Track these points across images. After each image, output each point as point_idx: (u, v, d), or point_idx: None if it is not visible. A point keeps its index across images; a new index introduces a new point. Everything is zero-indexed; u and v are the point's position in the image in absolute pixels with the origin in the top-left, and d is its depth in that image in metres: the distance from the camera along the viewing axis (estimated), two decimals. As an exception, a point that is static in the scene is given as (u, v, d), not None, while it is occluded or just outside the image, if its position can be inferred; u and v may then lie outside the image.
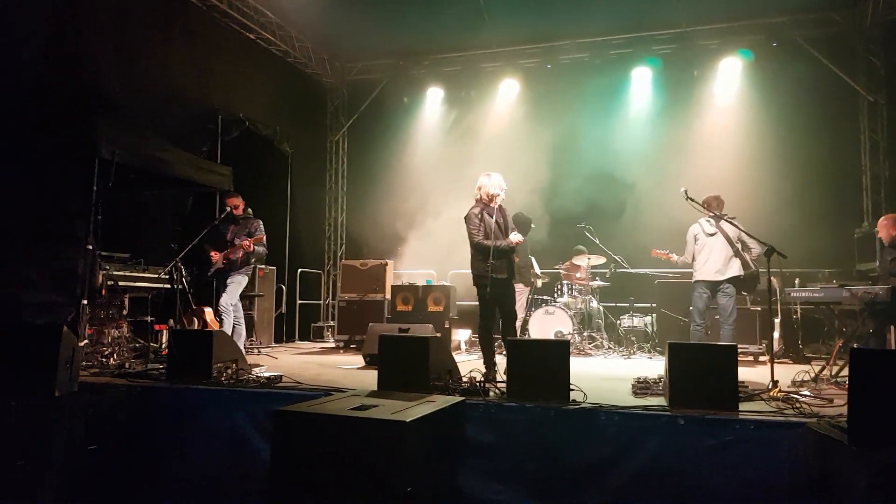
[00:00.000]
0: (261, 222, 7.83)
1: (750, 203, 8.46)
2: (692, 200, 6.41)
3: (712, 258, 6.93)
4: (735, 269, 6.91)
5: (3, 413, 4.14)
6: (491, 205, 5.99)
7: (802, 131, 10.01)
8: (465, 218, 6.01)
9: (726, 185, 8.80)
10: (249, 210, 7.98)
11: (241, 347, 7.32)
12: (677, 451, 4.10)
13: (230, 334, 7.23)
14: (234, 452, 4.82)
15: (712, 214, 7.01)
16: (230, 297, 7.49)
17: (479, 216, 5.93)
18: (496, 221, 5.95)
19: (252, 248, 7.53)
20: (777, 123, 10.21)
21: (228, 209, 7.76)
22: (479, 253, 5.91)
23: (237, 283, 7.58)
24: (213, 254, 7.51)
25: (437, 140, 12.28)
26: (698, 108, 10.89)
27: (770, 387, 4.90)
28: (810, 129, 10.00)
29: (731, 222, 6.84)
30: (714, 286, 6.97)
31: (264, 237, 7.71)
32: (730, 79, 10.87)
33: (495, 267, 5.84)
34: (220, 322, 7.42)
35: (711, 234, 6.96)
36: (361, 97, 12.80)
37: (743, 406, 4.40)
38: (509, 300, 6.05)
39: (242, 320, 7.69)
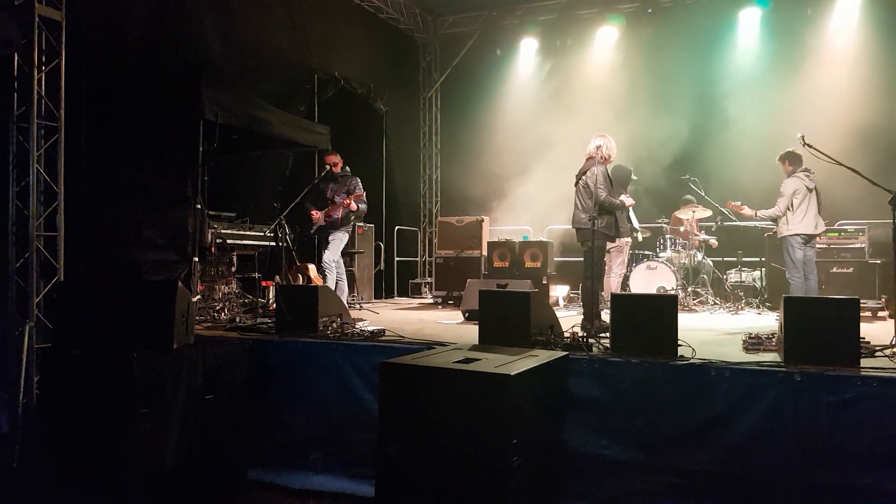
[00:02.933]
0: (359, 180, 7.96)
1: (869, 149, 7.91)
2: (811, 146, 6.02)
3: (811, 212, 7.09)
4: (822, 224, 7.22)
5: (126, 364, 4.40)
6: (606, 165, 6.21)
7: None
8: (586, 175, 6.13)
9: (843, 131, 8.26)
10: (347, 168, 8.12)
11: (344, 302, 7.56)
12: (794, 408, 3.95)
13: (333, 290, 7.47)
14: (341, 403, 5.00)
15: (805, 168, 7.18)
16: (332, 254, 7.70)
17: (605, 174, 6.11)
18: (610, 181, 6.22)
19: (353, 206, 7.68)
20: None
21: (328, 167, 7.91)
22: (603, 210, 6.09)
23: (339, 240, 7.78)
24: (313, 212, 7.71)
25: (531, 93, 12.04)
26: (812, 50, 10.12)
27: (893, 342, 4.62)
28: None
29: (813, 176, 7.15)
30: (810, 239, 7.11)
31: (364, 194, 7.84)
32: (848, 15, 10.01)
33: (605, 223, 6.10)
34: (324, 278, 7.64)
35: (811, 190, 7.11)
36: (454, 52, 12.66)
37: (864, 363, 4.17)
38: (603, 256, 6.21)
39: (345, 276, 7.91)
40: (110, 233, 6.65)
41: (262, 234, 7.83)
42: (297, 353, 5.25)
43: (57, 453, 4.57)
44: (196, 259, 6.84)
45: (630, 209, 8.11)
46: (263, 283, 8.02)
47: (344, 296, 7.70)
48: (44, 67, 5.75)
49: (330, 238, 7.72)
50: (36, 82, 5.67)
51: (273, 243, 7.66)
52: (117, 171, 6.71)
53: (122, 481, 4.35)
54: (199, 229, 6.90)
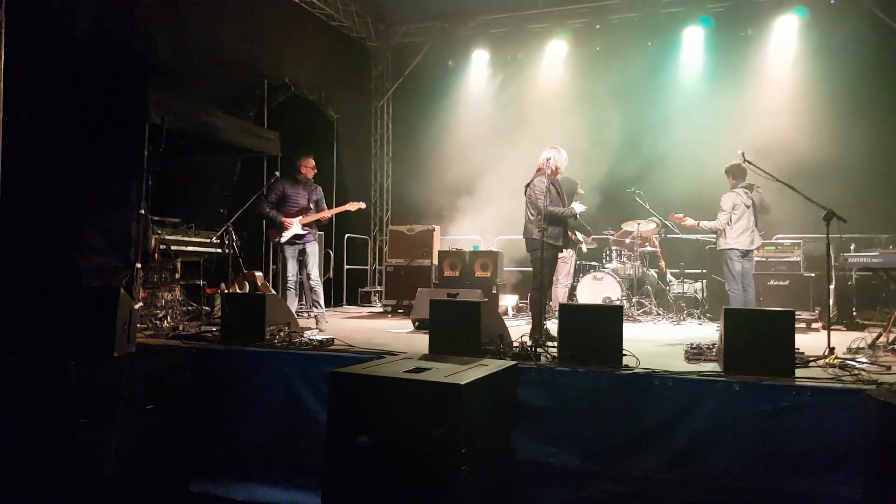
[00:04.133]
0: (321, 191, 7.87)
1: (804, 167, 8.21)
2: (750, 163, 6.24)
3: (748, 228, 7.31)
4: (758, 239, 7.49)
5: (64, 373, 4.27)
6: (555, 177, 6.22)
7: (860, 93, 9.61)
8: (531, 186, 6.23)
9: (780, 148, 8.55)
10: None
11: (322, 306, 7.55)
12: (733, 416, 4.08)
13: (321, 301, 7.50)
14: (288, 413, 4.94)
15: (746, 185, 7.45)
16: (316, 269, 7.62)
17: (547, 186, 6.11)
18: (559, 192, 6.25)
19: (325, 218, 7.69)
20: (834, 85, 9.79)
21: (301, 174, 7.67)
22: (549, 220, 6.10)
23: (319, 253, 7.72)
24: (285, 220, 7.48)
25: (482, 104, 12.13)
26: (752, 69, 10.50)
27: (826, 353, 4.81)
28: (868, 91, 9.60)
29: (758, 192, 7.44)
30: (747, 253, 7.36)
31: None
32: (785, 38, 10.44)
33: (553, 234, 6.08)
34: (315, 294, 7.50)
35: (749, 206, 7.36)
36: (406, 61, 12.68)
37: (799, 372, 4.34)
38: (554, 267, 6.22)
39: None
40: (50, 237, 6.43)
41: (207, 240, 7.67)
42: (242, 362, 5.17)
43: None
44: (139, 265, 6.67)
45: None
46: (208, 291, 7.87)
47: (321, 299, 7.62)
48: (-19, 66, 5.55)
49: (309, 250, 7.53)
50: (-28, 81, 5.47)
51: (219, 250, 7.52)
52: (59, 174, 6.50)
53: (60, 492, 4.21)
54: (142, 234, 6.74)
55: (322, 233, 10.27)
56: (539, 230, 5.95)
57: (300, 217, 7.46)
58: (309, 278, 7.57)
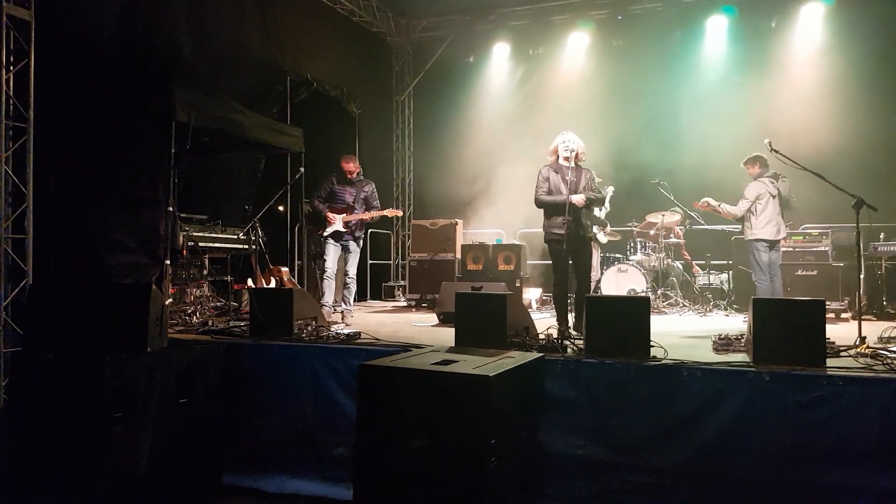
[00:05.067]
0: (374, 186, 7.90)
1: (831, 156, 8.13)
2: (777, 152, 6.17)
3: (773, 218, 7.27)
4: (784, 229, 7.43)
5: (98, 368, 4.34)
6: (559, 162, 6.03)
7: (886, 80, 9.48)
8: None
9: (806, 137, 8.46)
10: (361, 170, 8.01)
11: (352, 303, 7.63)
12: (763, 407, 4.04)
13: (351, 298, 7.62)
14: (317, 406, 4.98)
15: (771, 174, 7.38)
16: (354, 267, 7.74)
17: (545, 175, 6.05)
18: (565, 179, 5.94)
19: (370, 219, 7.75)
20: (862, 71, 9.65)
21: (337, 174, 7.72)
22: (545, 211, 6.06)
23: (358, 252, 7.79)
24: (329, 214, 7.55)
25: (503, 97, 12.14)
26: (776, 57, 10.39)
27: (857, 343, 4.76)
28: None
29: (784, 182, 7.36)
30: (774, 243, 7.30)
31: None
32: (811, 25, 10.30)
33: (558, 224, 5.92)
34: (348, 290, 7.58)
35: (774, 195, 7.30)
36: (426, 55, 12.69)
37: (830, 362, 4.29)
38: (580, 258, 6.05)
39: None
40: (80, 235, 6.54)
41: (234, 236, 7.76)
42: (271, 356, 5.21)
43: (27, 459, 4.49)
44: (167, 262, 6.76)
45: (599, 210, 8.18)
46: (235, 287, 7.96)
47: (352, 296, 7.71)
48: (12, 68, 5.66)
49: (351, 248, 7.66)
50: (4, 83, 5.58)
51: (245, 246, 7.60)
52: (88, 173, 6.61)
53: (94, 486, 4.29)
54: (170, 232, 6.83)
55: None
56: (546, 220, 5.98)
57: (344, 214, 7.55)
58: (346, 275, 7.66)
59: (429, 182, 12.30)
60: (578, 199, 5.87)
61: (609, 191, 8.78)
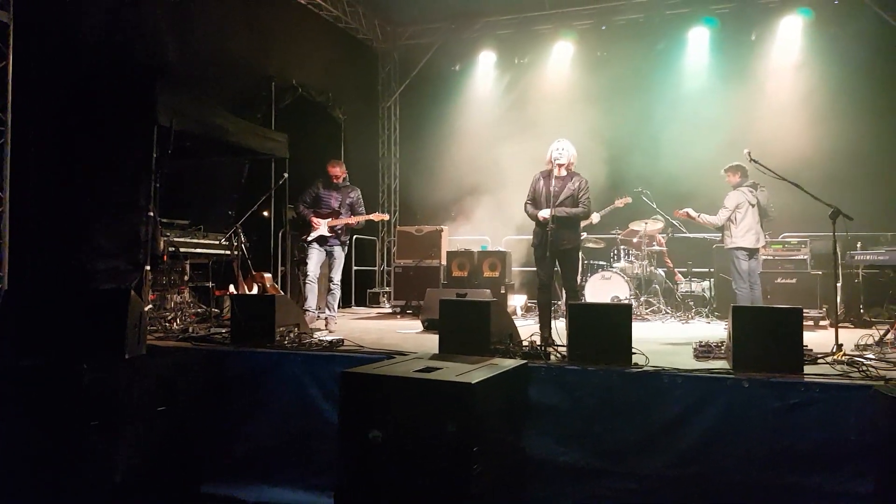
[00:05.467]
0: (360, 192, 7.86)
1: (810, 166, 8.23)
2: (756, 162, 6.23)
3: (752, 226, 7.32)
4: (763, 238, 7.51)
5: (77, 376, 4.28)
6: (552, 171, 6.02)
7: (864, 92, 9.64)
8: None
9: (785, 147, 8.59)
10: (348, 175, 7.97)
11: (335, 310, 7.59)
12: (743, 413, 4.07)
13: (335, 304, 7.56)
14: (299, 414, 4.94)
15: (750, 183, 7.46)
16: (339, 273, 7.67)
17: (534, 181, 6.09)
18: (548, 188, 5.96)
19: (356, 224, 7.71)
20: (838, 84, 9.83)
21: (324, 179, 7.65)
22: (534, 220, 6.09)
23: (342, 258, 7.72)
24: (313, 219, 7.52)
25: (489, 105, 12.20)
26: (757, 69, 10.56)
27: (834, 350, 4.82)
28: (872, 90, 9.64)
29: (763, 191, 7.44)
30: (754, 252, 7.38)
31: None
32: (789, 39, 10.49)
33: (537, 231, 6.01)
34: (332, 296, 7.55)
35: (753, 204, 7.37)
36: (413, 62, 12.71)
37: (808, 369, 4.34)
38: (564, 266, 6.06)
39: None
40: (59, 240, 6.47)
41: (216, 242, 7.71)
42: (253, 363, 5.17)
43: (2, 466, 4.41)
44: (148, 267, 6.70)
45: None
46: (217, 293, 7.90)
47: (336, 302, 7.67)
48: (-9, 70, 5.59)
49: (336, 254, 7.60)
50: (-18, 85, 5.52)
51: (227, 252, 7.54)
52: (68, 177, 6.54)
53: (70, 495, 4.22)
54: (151, 237, 6.77)
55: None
56: (548, 229, 5.96)
57: (329, 219, 7.50)
58: (330, 280, 7.62)
59: (414, 188, 12.30)
60: (543, 214, 5.91)
61: (595, 218, 8.80)
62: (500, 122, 11.58)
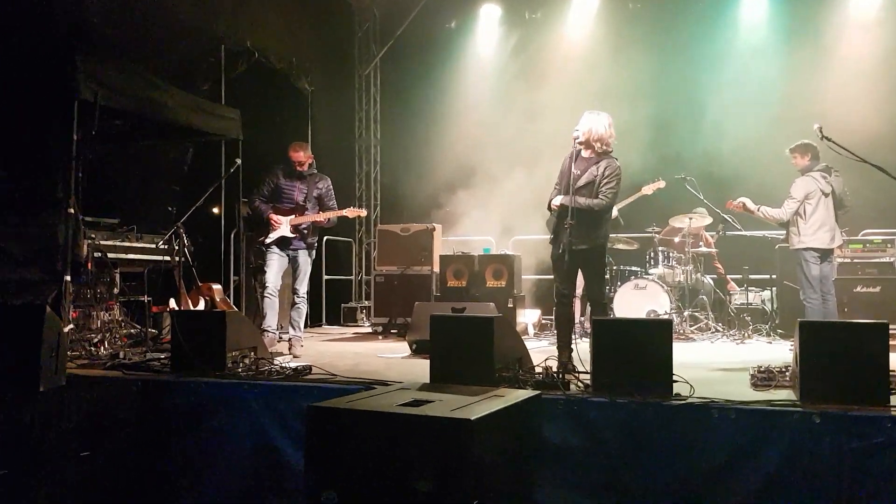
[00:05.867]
0: (330, 182, 7.86)
1: (892, 145, 8.22)
2: (829, 140, 6.24)
3: (828, 222, 7.31)
4: (839, 236, 7.48)
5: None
6: (581, 150, 6.00)
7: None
8: None
9: (865, 122, 8.56)
10: (314, 162, 7.94)
11: (301, 329, 7.61)
12: (812, 456, 4.06)
13: (301, 323, 7.58)
14: (255, 458, 4.95)
15: (823, 167, 7.39)
16: (305, 285, 7.67)
17: (562, 163, 6.09)
18: (572, 172, 5.94)
19: (325, 223, 7.67)
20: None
21: (290, 165, 7.64)
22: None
23: (309, 264, 7.71)
24: (273, 217, 7.50)
25: (493, 72, 12.25)
26: (829, 25, 10.56)
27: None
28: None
29: (837, 177, 7.40)
30: (826, 254, 7.36)
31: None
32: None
33: (553, 229, 6.02)
34: (297, 312, 7.55)
35: (827, 194, 7.32)
36: (397, 20, 12.70)
37: (895, 401, 4.31)
38: (588, 271, 6.04)
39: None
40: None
41: (153, 246, 7.71)
42: (198, 396, 5.19)
43: None
44: (68, 278, 6.70)
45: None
46: (155, 309, 7.89)
47: (302, 320, 7.67)
48: None
49: (301, 260, 7.58)
50: None
51: (167, 258, 7.55)
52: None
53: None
54: (71, 240, 6.78)
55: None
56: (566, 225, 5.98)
57: (292, 217, 7.47)
58: (295, 293, 7.61)
59: (400, 177, 12.31)
60: (554, 202, 5.96)
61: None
62: (507, 92, 11.59)
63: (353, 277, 12.88)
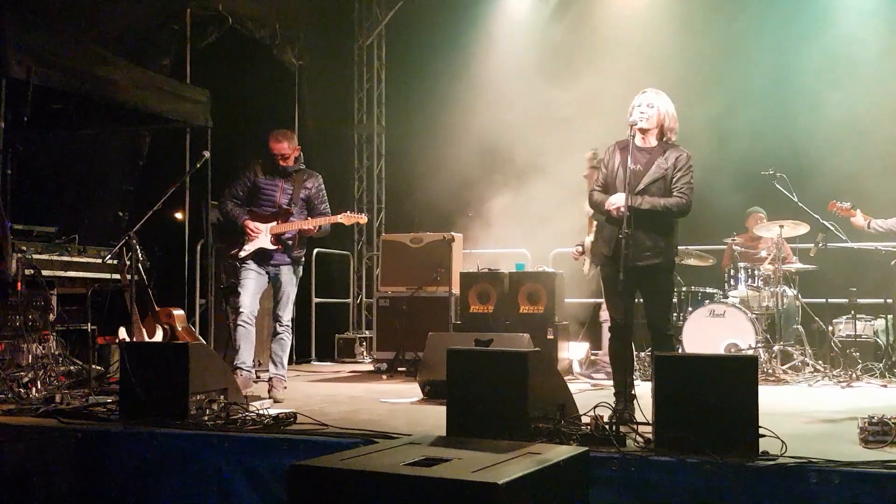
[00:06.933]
0: (322, 180, 7.85)
1: None
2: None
3: None
4: None
5: None
6: (634, 139, 5.97)
7: None
8: None
9: None
10: (301, 156, 7.94)
11: (285, 366, 7.61)
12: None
13: (284, 358, 7.57)
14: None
15: None
16: (290, 310, 7.67)
17: (608, 156, 6.08)
18: (628, 167, 5.84)
19: (314, 230, 7.62)
20: None
21: (264, 160, 7.67)
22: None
23: (295, 284, 7.71)
24: (249, 225, 7.50)
25: (527, 43, 12.30)
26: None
27: None
28: None
29: None
30: None
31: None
32: None
33: (605, 237, 6.00)
34: (280, 345, 7.55)
35: None
36: (407, -25, 12.82)
37: None
38: (651, 292, 6.01)
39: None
40: None
41: (99, 261, 7.72)
42: (153, 451, 5.18)
43: None
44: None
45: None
46: (100, 340, 7.92)
47: (285, 355, 7.66)
48: None
49: (284, 278, 7.57)
50: None
51: (116, 276, 7.57)
52: None
53: None
54: (-3, 253, 6.82)
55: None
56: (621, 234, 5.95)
57: (273, 224, 7.45)
58: (277, 321, 7.59)
59: (410, 173, 12.37)
60: (614, 202, 5.81)
61: None
62: (546, 69, 11.61)
63: (350, 301, 12.90)
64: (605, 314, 8.54)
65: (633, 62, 10.49)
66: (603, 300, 7.33)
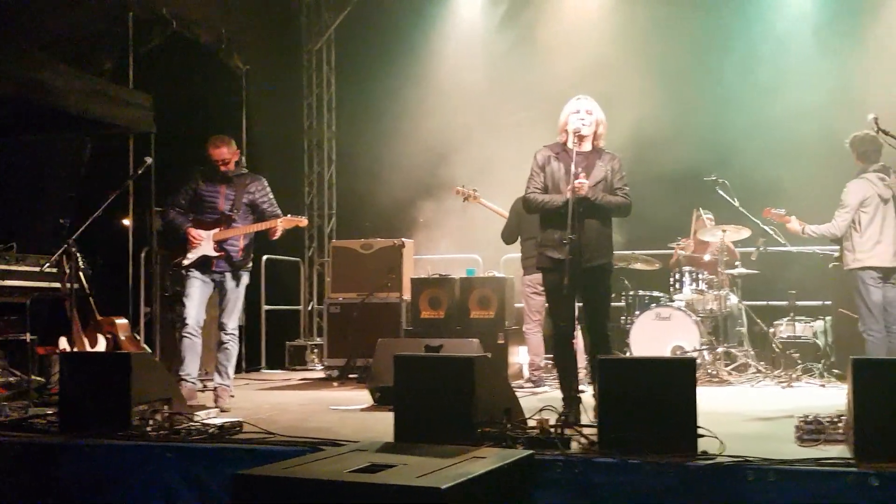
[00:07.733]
0: (265, 182, 7.81)
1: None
2: (886, 133, 6.35)
3: (887, 234, 7.40)
4: None
5: None
6: (567, 144, 6.08)
7: None
8: None
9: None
10: (243, 160, 7.89)
11: (230, 375, 7.57)
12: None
13: (230, 367, 7.52)
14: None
15: (880, 167, 7.45)
16: (236, 318, 7.61)
17: (542, 160, 6.16)
18: (570, 169, 5.94)
19: (277, 233, 7.57)
20: None
21: (204, 167, 7.61)
22: (540, 217, 6.17)
23: (243, 292, 7.65)
24: (192, 232, 7.42)
25: (477, 47, 12.36)
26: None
27: None
28: None
29: None
30: (890, 274, 7.43)
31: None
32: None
33: (555, 240, 5.95)
34: (226, 355, 7.50)
35: (887, 200, 7.40)
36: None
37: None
38: (593, 295, 6.08)
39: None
40: None
41: (37, 269, 7.64)
42: (95, 463, 5.14)
43: None
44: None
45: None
46: (40, 351, 7.84)
47: (231, 364, 7.61)
48: None
49: (229, 286, 7.51)
50: None
51: (57, 284, 7.51)
52: None
53: None
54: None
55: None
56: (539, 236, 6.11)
57: (216, 230, 7.40)
58: (222, 329, 7.55)
59: (361, 179, 12.34)
60: (580, 183, 5.85)
61: None
62: (495, 73, 11.71)
63: (300, 308, 12.87)
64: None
65: (580, 67, 10.56)
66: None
